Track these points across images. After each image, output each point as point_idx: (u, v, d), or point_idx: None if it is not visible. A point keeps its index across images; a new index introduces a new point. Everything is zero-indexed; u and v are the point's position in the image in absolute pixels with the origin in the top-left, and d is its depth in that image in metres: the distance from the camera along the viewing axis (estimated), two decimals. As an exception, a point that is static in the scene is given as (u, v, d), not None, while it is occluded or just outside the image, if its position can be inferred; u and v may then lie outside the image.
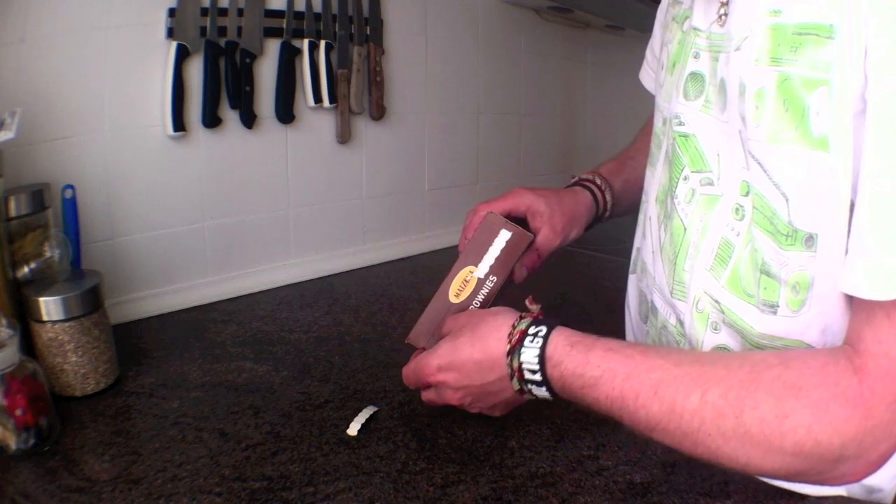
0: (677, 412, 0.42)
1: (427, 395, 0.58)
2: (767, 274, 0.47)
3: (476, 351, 0.52)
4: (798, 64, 0.41)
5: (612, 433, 0.59)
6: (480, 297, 0.60)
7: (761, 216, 0.46)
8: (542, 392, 0.50)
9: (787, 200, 0.44)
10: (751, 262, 0.49)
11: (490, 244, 0.60)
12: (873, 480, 0.51)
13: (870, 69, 0.37)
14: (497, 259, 0.60)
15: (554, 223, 0.66)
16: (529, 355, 0.49)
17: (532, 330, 0.50)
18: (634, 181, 0.74)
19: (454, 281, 0.60)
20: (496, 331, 0.52)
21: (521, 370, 0.50)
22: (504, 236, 0.60)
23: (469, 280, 0.60)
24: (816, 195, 0.42)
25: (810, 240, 0.43)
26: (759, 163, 0.45)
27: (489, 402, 0.55)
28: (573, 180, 0.74)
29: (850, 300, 0.43)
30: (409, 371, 0.58)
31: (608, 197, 0.72)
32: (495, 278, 0.60)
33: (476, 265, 0.60)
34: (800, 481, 0.45)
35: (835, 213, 0.41)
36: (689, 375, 0.43)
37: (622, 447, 0.57)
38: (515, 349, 0.50)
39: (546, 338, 0.49)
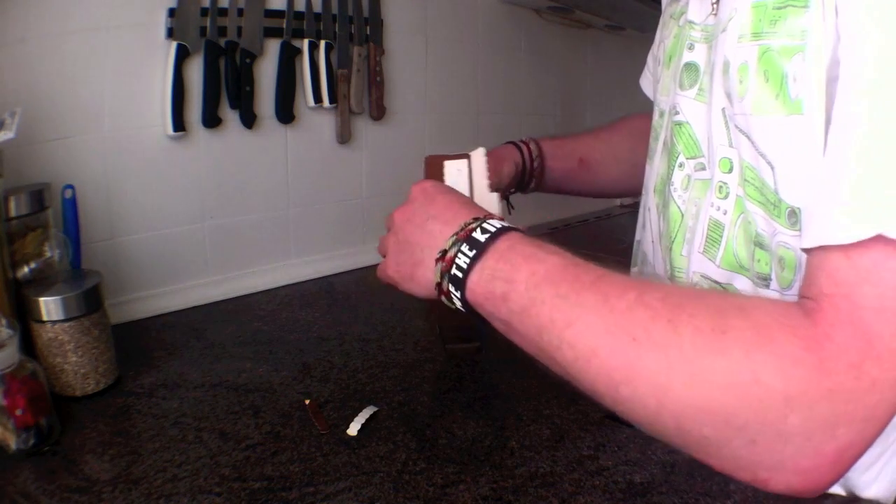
0: (609, 304, 0.37)
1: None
2: (760, 246, 0.47)
3: (431, 204, 0.50)
4: (777, 35, 0.42)
5: (612, 433, 0.59)
6: None
7: (752, 188, 0.47)
8: (457, 295, 0.45)
9: (773, 169, 0.44)
10: (744, 237, 0.49)
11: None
12: (871, 492, 0.50)
13: (842, 29, 0.37)
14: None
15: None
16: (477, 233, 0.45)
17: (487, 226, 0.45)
18: (572, 148, 0.79)
19: None
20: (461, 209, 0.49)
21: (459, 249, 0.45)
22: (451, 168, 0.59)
23: None
24: (797, 162, 0.42)
25: (793, 215, 0.43)
26: (746, 136, 0.46)
27: (401, 268, 0.51)
28: None
29: None
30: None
31: (532, 147, 0.75)
32: None
33: None
34: (728, 460, 0.35)
35: (814, 185, 0.40)
36: (631, 280, 0.39)
37: (622, 447, 0.57)
38: (460, 240, 0.45)
39: (502, 231, 0.44)
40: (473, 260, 0.44)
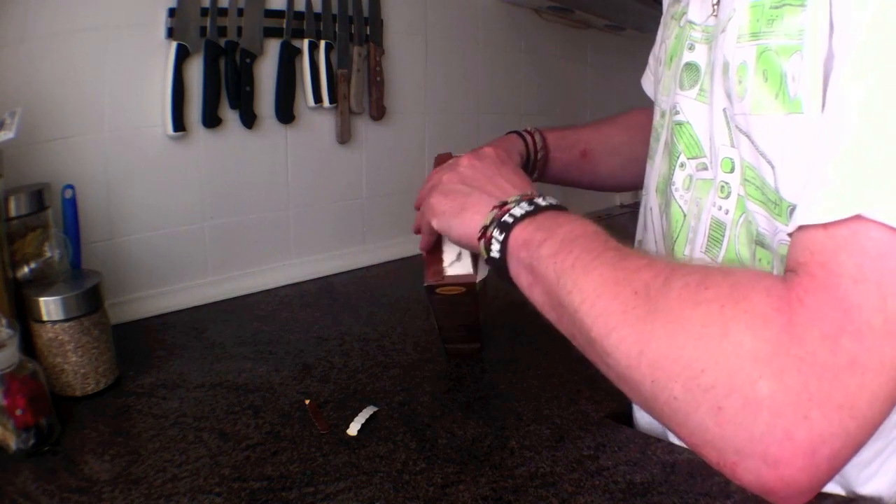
0: (623, 263, 0.40)
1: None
2: (762, 245, 0.48)
3: (504, 166, 0.56)
4: (774, 35, 0.42)
5: (612, 433, 0.59)
6: None
7: (753, 187, 0.47)
8: (499, 239, 0.49)
9: (773, 168, 0.44)
10: (746, 237, 0.49)
11: None
12: (869, 488, 0.50)
13: (835, 20, 0.37)
14: None
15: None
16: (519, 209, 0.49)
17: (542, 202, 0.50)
18: (575, 139, 0.81)
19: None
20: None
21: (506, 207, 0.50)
22: None
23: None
24: (798, 161, 0.42)
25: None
26: (746, 135, 0.46)
27: (453, 202, 0.54)
28: None
29: None
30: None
31: (537, 138, 0.77)
32: None
33: None
34: (696, 430, 0.33)
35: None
36: (650, 255, 0.44)
37: (622, 447, 0.57)
38: (524, 200, 0.50)
39: (561, 206, 0.49)
40: (528, 214, 0.48)
